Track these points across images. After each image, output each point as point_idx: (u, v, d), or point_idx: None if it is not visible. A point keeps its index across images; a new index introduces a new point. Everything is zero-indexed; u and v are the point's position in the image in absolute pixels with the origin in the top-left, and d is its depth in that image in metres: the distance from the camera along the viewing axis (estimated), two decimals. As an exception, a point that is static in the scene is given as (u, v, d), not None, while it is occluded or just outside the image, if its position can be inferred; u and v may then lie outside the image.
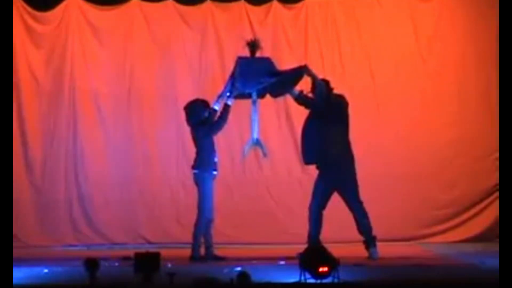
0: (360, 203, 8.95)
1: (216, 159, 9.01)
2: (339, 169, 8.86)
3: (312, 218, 8.93)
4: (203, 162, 8.95)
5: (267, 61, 9.20)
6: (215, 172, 9.02)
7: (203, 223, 8.94)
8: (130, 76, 11.03)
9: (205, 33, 11.11)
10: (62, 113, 10.93)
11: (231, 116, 10.79)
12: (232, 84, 8.96)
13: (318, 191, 8.94)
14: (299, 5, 11.21)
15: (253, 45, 9.14)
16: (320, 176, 8.98)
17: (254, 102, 9.11)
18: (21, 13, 10.92)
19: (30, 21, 10.98)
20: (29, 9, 10.98)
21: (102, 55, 11.07)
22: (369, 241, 8.91)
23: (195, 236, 8.95)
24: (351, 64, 11.10)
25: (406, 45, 11.20)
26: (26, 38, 10.97)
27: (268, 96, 10.31)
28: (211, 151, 8.96)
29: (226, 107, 8.97)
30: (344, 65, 11.10)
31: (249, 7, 11.16)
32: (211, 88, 10.89)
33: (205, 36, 11.10)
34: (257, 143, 9.18)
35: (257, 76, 8.98)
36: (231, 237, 10.46)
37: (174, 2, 11.11)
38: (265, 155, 9.41)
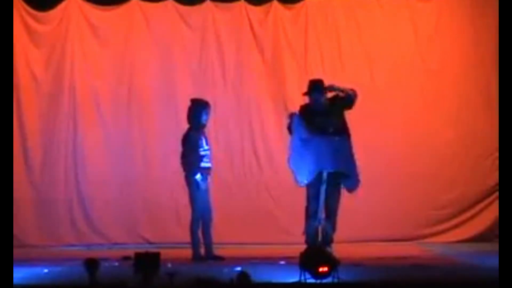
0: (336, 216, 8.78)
1: (205, 165, 8.96)
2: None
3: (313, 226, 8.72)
4: (190, 165, 8.93)
5: None
6: (207, 177, 8.99)
7: (195, 222, 8.97)
8: (130, 76, 11.02)
9: (205, 33, 11.09)
10: (62, 113, 10.91)
11: (231, 116, 10.81)
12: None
13: (311, 196, 8.77)
14: (299, 5, 11.19)
15: None
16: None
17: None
18: (21, 13, 10.90)
19: (30, 21, 10.96)
20: (29, 9, 10.96)
21: (102, 55, 11.06)
22: None
23: (192, 234, 8.97)
24: (351, 64, 11.09)
25: (406, 45, 11.19)
26: (26, 38, 10.95)
27: (267, 96, 10.34)
28: (197, 155, 8.91)
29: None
30: (344, 65, 11.09)
31: (249, 7, 11.14)
32: (211, 88, 10.91)
33: (205, 36, 11.09)
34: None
35: None
36: (231, 237, 10.44)
37: (174, 2, 11.10)
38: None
